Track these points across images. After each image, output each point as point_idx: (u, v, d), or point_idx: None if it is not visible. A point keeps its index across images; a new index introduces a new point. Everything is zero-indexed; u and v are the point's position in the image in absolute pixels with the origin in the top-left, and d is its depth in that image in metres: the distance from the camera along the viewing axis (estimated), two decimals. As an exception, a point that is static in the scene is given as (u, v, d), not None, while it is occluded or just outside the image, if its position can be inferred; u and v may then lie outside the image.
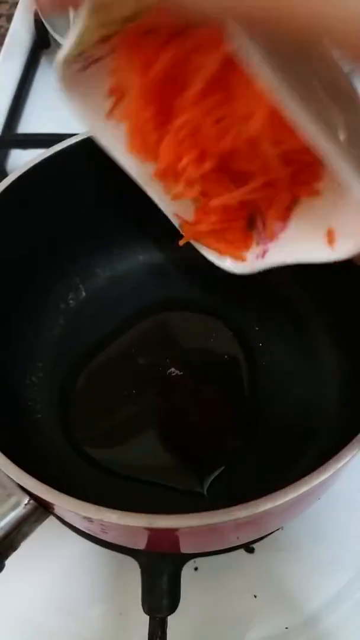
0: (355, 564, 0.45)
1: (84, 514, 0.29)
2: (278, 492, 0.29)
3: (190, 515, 0.29)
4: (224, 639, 0.43)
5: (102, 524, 0.31)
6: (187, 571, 0.42)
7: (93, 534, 0.39)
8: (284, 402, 0.48)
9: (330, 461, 0.30)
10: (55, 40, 0.72)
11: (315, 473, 0.30)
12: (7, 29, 0.89)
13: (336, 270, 0.35)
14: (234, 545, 0.44)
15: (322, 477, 0.29)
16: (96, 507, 0.29)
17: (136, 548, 0.40)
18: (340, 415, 0.44)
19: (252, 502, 0.29)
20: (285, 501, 0.29)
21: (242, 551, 0.46)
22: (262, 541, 0.46)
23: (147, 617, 0.40)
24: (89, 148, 0.45)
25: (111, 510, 0.29)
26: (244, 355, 0.50)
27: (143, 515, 0.29)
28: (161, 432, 0.46)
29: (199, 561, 0.45)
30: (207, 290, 0.54)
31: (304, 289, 0.51)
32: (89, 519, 0.30)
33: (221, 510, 0.29)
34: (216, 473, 0.44)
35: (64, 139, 0.57)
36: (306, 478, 0.30)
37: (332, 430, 0.45)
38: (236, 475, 0.44)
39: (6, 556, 0.33)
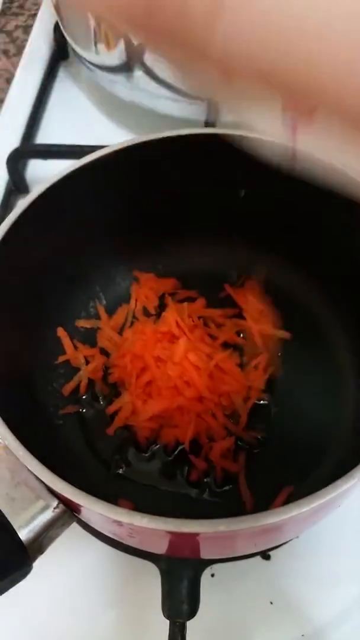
0: (371, 573, 0.46)
1: (115, 518, 0.30)
2: (304, 499, 0.30)
3: (218, 520, 0.29)
4: (240, 644, 0.43)
5: (130, 528, 0.31)
6: (204, 577, 0.43)
7: (118, 539, 0.40)
8: (301, 414, 0.48)
9: (355, 469, 0.31)
10: (74, 51, 0.73)
11: (340, 480, 0.30)
12: (23, 40, 0.91)
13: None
14: (252, 552, 0.45)
15: (348, 484, 0.30)
16: (127, 511, 0.30)
17: (158, 553, 0.40)
18: (358, 428, 0.45)
19: (280, 509, 0.29)
20: (311, 508, 0.30)
21: (258, 558, 0.46)
22: (278, 549, 0.46)
23: (165, 622, 0.40)
24: (116, 161, 0.46)
25: (142, 514, 0.30)
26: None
27: (173, 520, 0.29)
28: (177, 441, 0.47)
29: (216, 567, 0.45)
30: (228, 300, 0.55)
31: (330, 307, 0.52)
32: (119, 523, 0.31)
33: (249, 516, 0.29)
34: (229, 484, 0.46)
35: (83, 150, 0.58)
36: (332, 485, 0.30)
37: (349, 443, 0.46)
38: (250, 484, 0.45)
39: (34, 559, 0.34)
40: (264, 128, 0.32)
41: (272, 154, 0.34)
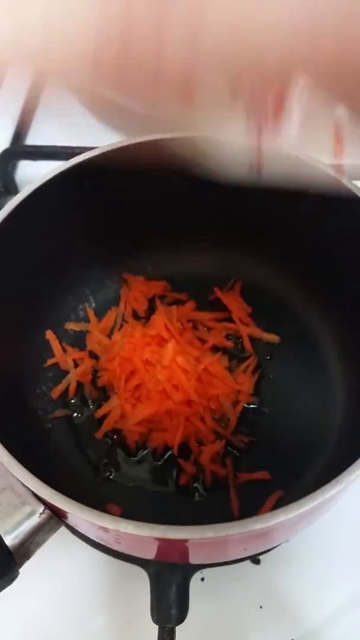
0: (360, 577, 0.46)
1: (101, 524, 0.29)
2: (292, 505, 0.30)
3: (205, 526, 0.29)
4: (230, 649, 0.43)
5: (117, 534, 0.31)
6: (194, 581, 0.43)
7: (105, 544, 0.40)
8: (289, 417, 0.49)
9: (343, 474, 0.31)
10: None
11: (328, 485, 0.30)
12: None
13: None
14: (242, 557, 0.44)
15: (335, 490, 0.30)
16: (113, 517, 0.30)
17: (146, 558, 0.40)
18: (348, 430, 0.45)
19: (267, 514, 0.29)
20: (299, 513, 0.30)
21: (248, 562, 0.46)
22: (268, 553, 0.46)
23: (154, 627, 0.40)
24: (104, 163, 0.46)
25: (127, 521, 0.29)
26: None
27: (159, 526, 0.29)
28: (166, 445, 0.47)
29: (205, 572, 0.45)
30: (218, 303, 0.55)
31: (319, 310, 0.52)
32: (105, 529, 0.30)
33: (236, 522, 0.29)
34: (218, 488, 0.45)
35: (74, 151, 0.58)
36: (320, 490, 0.30)
37: (337, 446, 0.46)
38: (239, 485, 0.45)
39: (21, 564, 0.33)
40: (228, 138, 0.32)
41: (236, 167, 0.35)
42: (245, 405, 0.48)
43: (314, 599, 0.45)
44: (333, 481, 0.31)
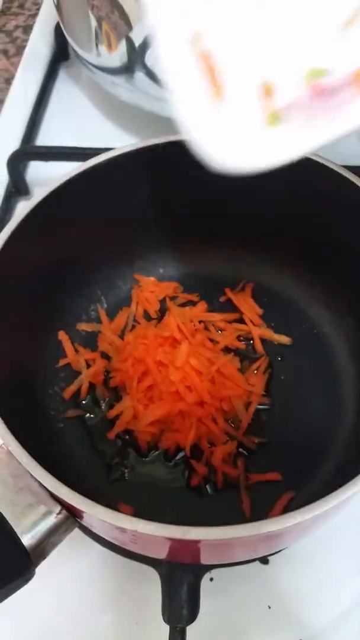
0: (370, 578, 0.46)
1: (119, 525, 0.30)
2: (309, 506, 0.30)
3: (224, 528, 0.29)
4: (239, 649, 0.44)
5: (133, 535, 0.31)
6: (203, 582, 0.43)
7: (119, 544, 0.40)
8: (301, 418, 0.49)
9: (358, 477, 0.31)
10: (75, 52, 0.73)
11: (344, 488, 0.31)
12: (24, 40, 0.90)
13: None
14: (252, 558, 0.45)
15: (352, 492, 0.31)
16: (131, 518, 0.30)
17: (158, 558, 0.40)
18: (358, 432, 0.45)
19: (285, 515, 0.30)
20: (315, 515, 0.30)
21: (257, 563, 0.46)
22: (277, 554, 0.46)
23: (163, 627, 0.40)
24: (119, 165, 0.46)
25: (145, 522, 0.30)
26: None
27: (177, 527, 0.29)
28: (178, 446, 0.47)
29: (214, 572, 0.45)
30: (228, 304, 0.55)
31: (331, 312, 0.53)
32: (122, 530, 0.31)
33: (252, 524, 0.30)
34: (229, 488, 0.46)
35: (84, 152, 0.58)
36: (334, 494, 0.31)
37: (349, 447, 0.46)
38: (250, 486, 0.46)
39: (37, 564, 0.34)
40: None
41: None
42: (257, 406, 0.49)
43: (323, 599, 0.45)
44: (350, 483, 0.31)
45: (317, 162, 0.45)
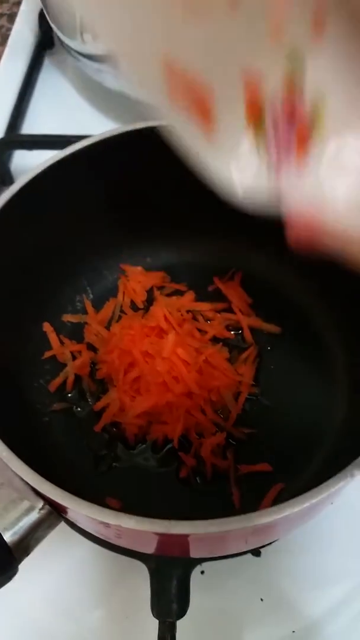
0: (362, 569, 0.45)
1: (102, 520, 0.29)
2: (298, 498, 0.29)
3: (209, 521, 0.29)
4: (231, 642, 0.43)
5: (118, 530, 0.30)
6: (193, 574, 0.42)
7: (105, 539, 0.39)
8: (290, 408, 0.48)
9: (348, 467, 0.30)
10: (60, 40, 0.71)
11: (335, 478, 0.30)
12: (8, 29, 0.89)
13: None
14: (243, 550, 0.44)
15: (342, 482, 0.30)
16: (114, 512, 0.29)
17: (147, 552, 0.40)
18: (350, 422, 0.44)
19: (273, 508, 0.29)
20: (304, 507, 0.29)
21: (249, 555, 0.45)
22: (269, 545, 0.45)
23: (153, 620, 0.39)
24: (101, 151, 0.45)
25: (129, 516, 0.29)
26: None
27: (161, 521, 0.29)
28: (166, 438, 0.46)
29: (205, 565, 0.45)
30: (217, 293, 0.54)
31: (321, 301, 0.52)
32: (106, 524, 0.30)
33: (241, 516, 0.29)
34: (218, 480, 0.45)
35: (70, 140, 0.57)
36: (324, 484, 0.30)
37: (340, 438, 0.45)
38: (240, 477, 0.45)
39: (20, 561, 0.33)
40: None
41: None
42: (246, 396, 0.48)
43: (315, 591, 0.45)
44: (340, 474, 0.30)
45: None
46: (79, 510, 0.29)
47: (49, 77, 0.80)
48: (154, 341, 0.46)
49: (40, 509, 0.33)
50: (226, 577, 0.45)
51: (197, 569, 0.44)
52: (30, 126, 0.73)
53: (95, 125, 0.72)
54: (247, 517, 0.29)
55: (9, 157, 0.68)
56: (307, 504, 0.29)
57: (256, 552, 0.46)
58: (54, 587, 0.45)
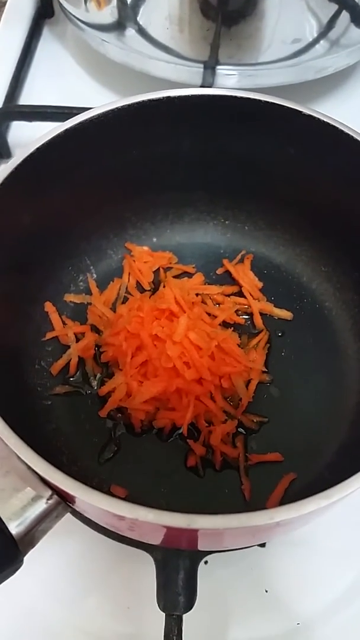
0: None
1: (119, 513, 0.27)
2: (325, 492, 0.28)
3: (232, 516, 0.27)
4: (236, 633, 0.42)
5: (133, 522, 0.29)
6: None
7: (114, 530, 0.37)
8: (302, 397, 0.47)
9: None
10: (61, 8, 0.69)
11: (352, 479, 0.28)
12: (5, -3, 0.86)
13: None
14: (250, 545, 0.43)
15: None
16: (131, 505, 0.27)
17: (153, 544, 0.38)
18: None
19: (299, 503, 0.27)
20: (327, 504, 0.28)
21: (254, 546, 0.44)
22: (274, 537, 0.45)
23: (155, 612, 0.38)
24: (106, 123, 0.43)
25: (147, 509, 0.27)
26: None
27: (181, 515, 0.27)
28: (174, 425, 0.45)
29: (210, 555, 0.43)
30: (225, 276, 0.52)
31: (334, 287, 0.50)
32: (121, 517, 0.28)
33: (263, 512, 0.27)
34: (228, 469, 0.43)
35: (71, 111, 0.54)
36: (343, 484, 0.28)
37: (352, 427, 0.44)
38: (250, 467, 0.44)
39: (25, 553, 0.31)
40: None
41: None
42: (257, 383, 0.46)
43: (320, 583, 0.44)
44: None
45: (322, 121, 0.42)
46: (93, 502, 0.27)
47: (48, 47, 0.78)
48: (164, 324, 0.44)
49: (48, 499, 0.31)
50: (231, 568, 0.44)
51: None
52: (28, 97, 0.71)
53: (95, 97, 0.71)
54: (272, 512, 0.27)
55: (6, 129, 0.66)
56: (335, 498, 0.28)
57: (261, 544, 0.44)
58: (55, 577, 0.43)
